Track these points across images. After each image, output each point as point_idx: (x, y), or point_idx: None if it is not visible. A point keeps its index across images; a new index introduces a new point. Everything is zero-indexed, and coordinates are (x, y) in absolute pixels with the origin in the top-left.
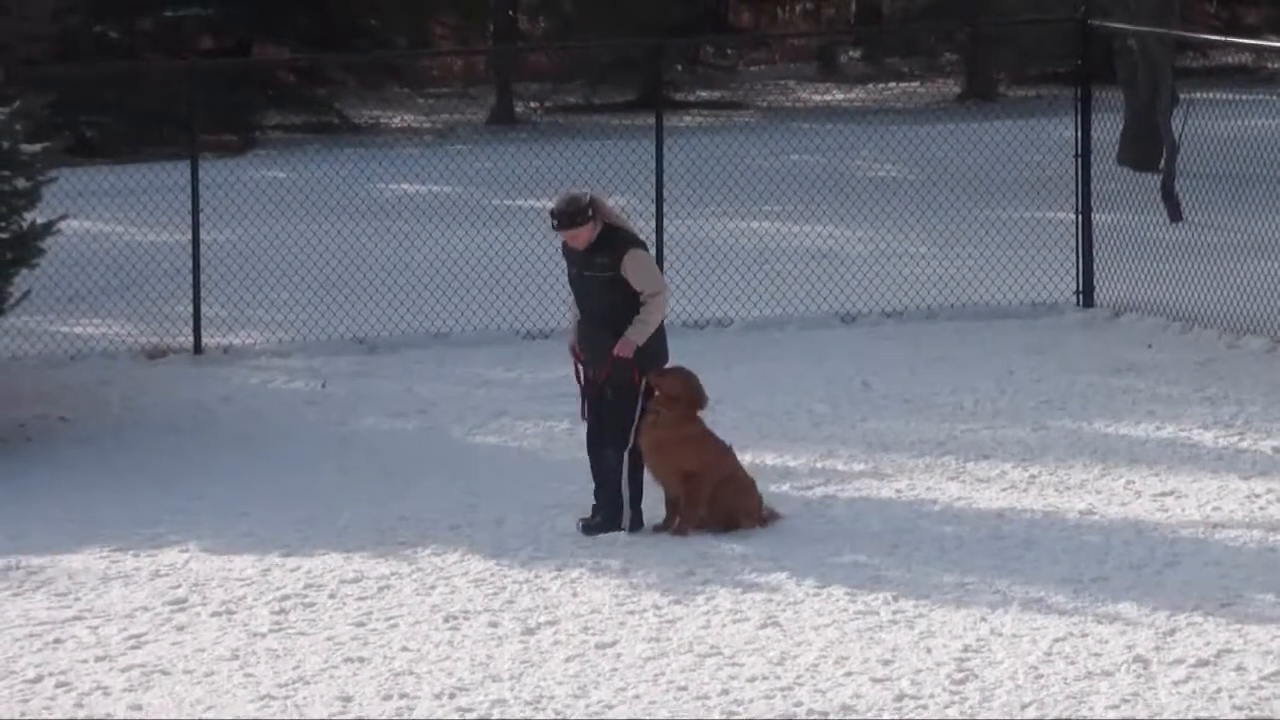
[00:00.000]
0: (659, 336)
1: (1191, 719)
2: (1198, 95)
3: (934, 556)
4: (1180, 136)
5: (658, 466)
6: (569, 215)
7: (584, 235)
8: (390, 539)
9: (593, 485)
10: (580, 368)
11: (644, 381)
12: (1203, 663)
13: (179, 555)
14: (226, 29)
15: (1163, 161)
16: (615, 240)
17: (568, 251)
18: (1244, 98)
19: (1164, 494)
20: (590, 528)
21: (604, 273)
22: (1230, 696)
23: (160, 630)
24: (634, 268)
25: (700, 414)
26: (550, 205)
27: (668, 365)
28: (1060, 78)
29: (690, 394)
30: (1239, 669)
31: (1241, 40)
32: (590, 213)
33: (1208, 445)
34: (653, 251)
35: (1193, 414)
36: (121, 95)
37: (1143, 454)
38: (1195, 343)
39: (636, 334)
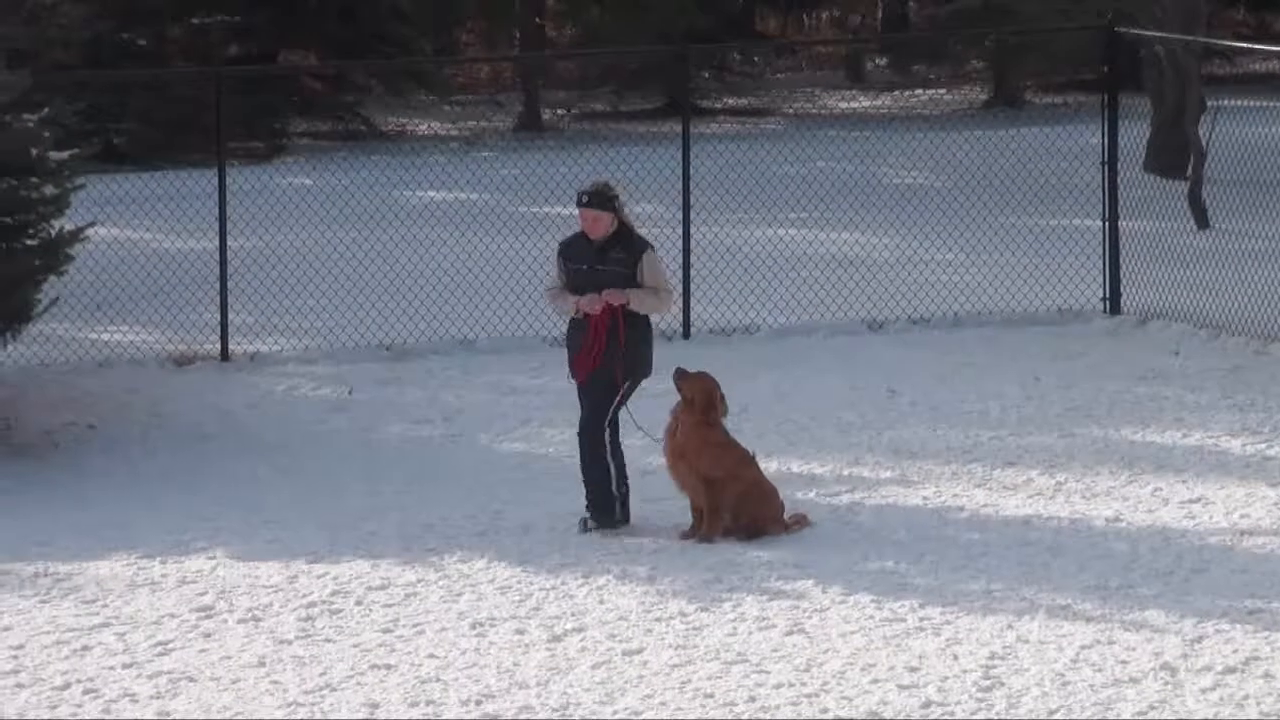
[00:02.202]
0: (647, 345)
1: None
2: (1225, 102)
3: (960, 563)
4: (1208, 143)
5: (682, 474)
6: (602, 196)
7: (604, 223)
8: (417, 546)
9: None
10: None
11: (626, 385)
12: (1230, 670)
13: (206, 562)
14: (254, 36)
15: (1190, 168)
16: (632, 239)
17: (574, 249)
18: (1272, 104)
19: (1191, 501)
20: (586, 525)
21: (619, 268)
22: (1258, 704)
23: (187, 637)
24: (651, 268)
25: (723, 421)
26: (588, 188)
27: (694, 371)
28: (1087, 85)
29: (707, 399)
30: (1266, 676)
31: (1270, 47)
32: (616, 203)
33: (1235, 452)
34: (679, 258)
35: (1220, 421)
36: (149, 102)
37: (1170, 461)
38: (1222, 350)
39: (636, 298)
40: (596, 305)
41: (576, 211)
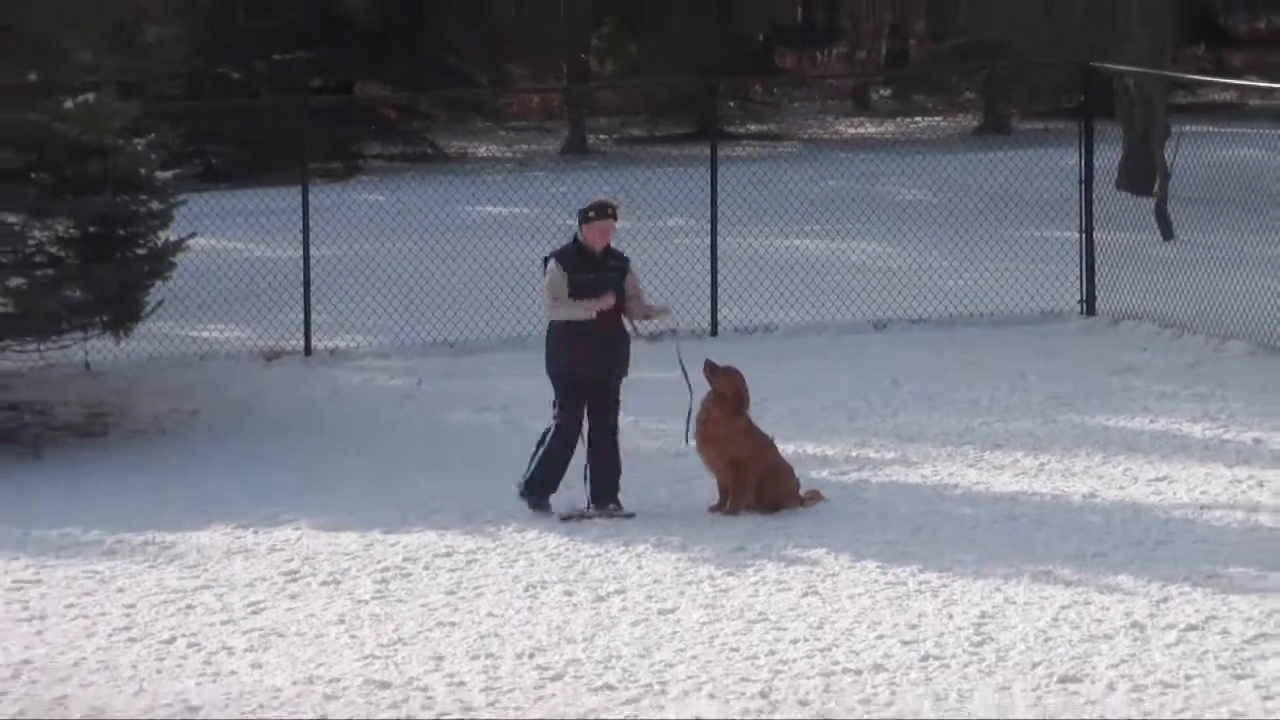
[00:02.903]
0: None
1: (1182, 677)
2: (1187, 128)
3: (955, 534)
4: (1172, 165)
5: (711, 458)
6: (615, 210)
7: (611, 232)
8: (477, 518)
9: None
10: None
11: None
12: (1192, 627)
13: (293, 532)
14: (333, 70)
15: (1156, 186)
16: (617, 250)
17: (578, 260)
18: (1228, 131)
19: (1158, 480)
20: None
21: (617, 275)
22: (1216, 657)
23: (276, 598)
24: (634, 276)
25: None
26: (598, 200)
27: (722, 365)
28: (1066, 113)
29: (737, 395)
30: (1224, 633)
31: (1226, 80)
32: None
33: (1196, 437)
34: (708, 265)
35: (1183, 409)
36: (241, 128)
37: (1139, 444)
38: (1185, 347)
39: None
40: (611, 301)
41: (595, 222)
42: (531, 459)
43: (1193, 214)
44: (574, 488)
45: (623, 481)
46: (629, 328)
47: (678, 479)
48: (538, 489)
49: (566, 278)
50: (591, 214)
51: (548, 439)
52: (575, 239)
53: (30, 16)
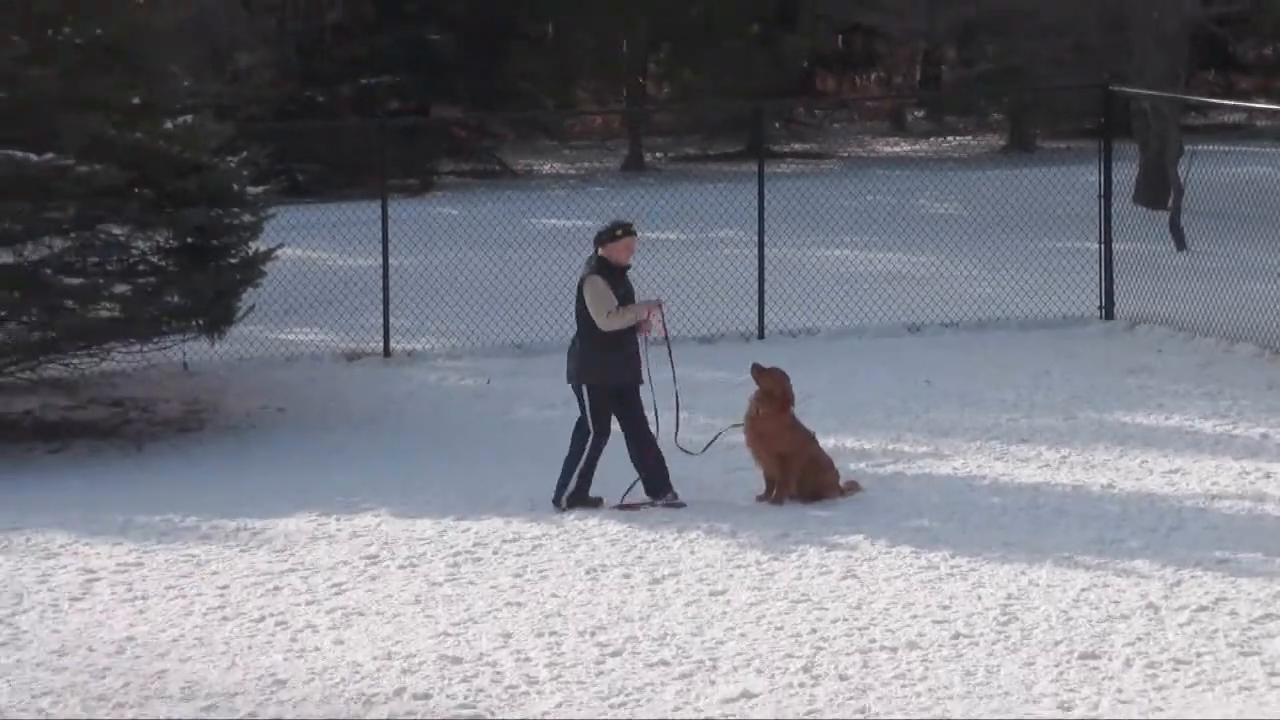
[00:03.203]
0: None
1: (1194, 654)
2: (1199, 148)
3: (983, 522)
4: (1185, 181)
5: (759, 451)
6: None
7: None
8: (542, 506)
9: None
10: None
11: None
12: (1203, 608)
13: (372, 519)
14: (410, 93)
15: (1170, 201)
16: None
17: (614, 276)
18: (1237, 149)
19: (1171, 471)
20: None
21: (632, 288)
22: (1225, 636)
23: (357, 580)
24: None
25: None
26: (620, 220)
27: (768, 366)
28: (1087, 133)
29: (783, 391)
30: (1232, 613)
31: (1236, 103)
32: None
33: (1207, 432)
34: (756, 273)
35: (1195, 407)
36: (325, 147)
37: (1154, 439)
38: (1197, 349)
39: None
40: (659, 307)
41: (622, 240)
42: (568, 473)
43: (1204, 226)
44: (608, 482)
45: (680, 469)
46: (640, 336)
47: (727, 470)
48: (579, 500)
49: (611, 290)
50: (619, 233)
51: (588, 449)
52: (599, 259)
53: (138, 45)
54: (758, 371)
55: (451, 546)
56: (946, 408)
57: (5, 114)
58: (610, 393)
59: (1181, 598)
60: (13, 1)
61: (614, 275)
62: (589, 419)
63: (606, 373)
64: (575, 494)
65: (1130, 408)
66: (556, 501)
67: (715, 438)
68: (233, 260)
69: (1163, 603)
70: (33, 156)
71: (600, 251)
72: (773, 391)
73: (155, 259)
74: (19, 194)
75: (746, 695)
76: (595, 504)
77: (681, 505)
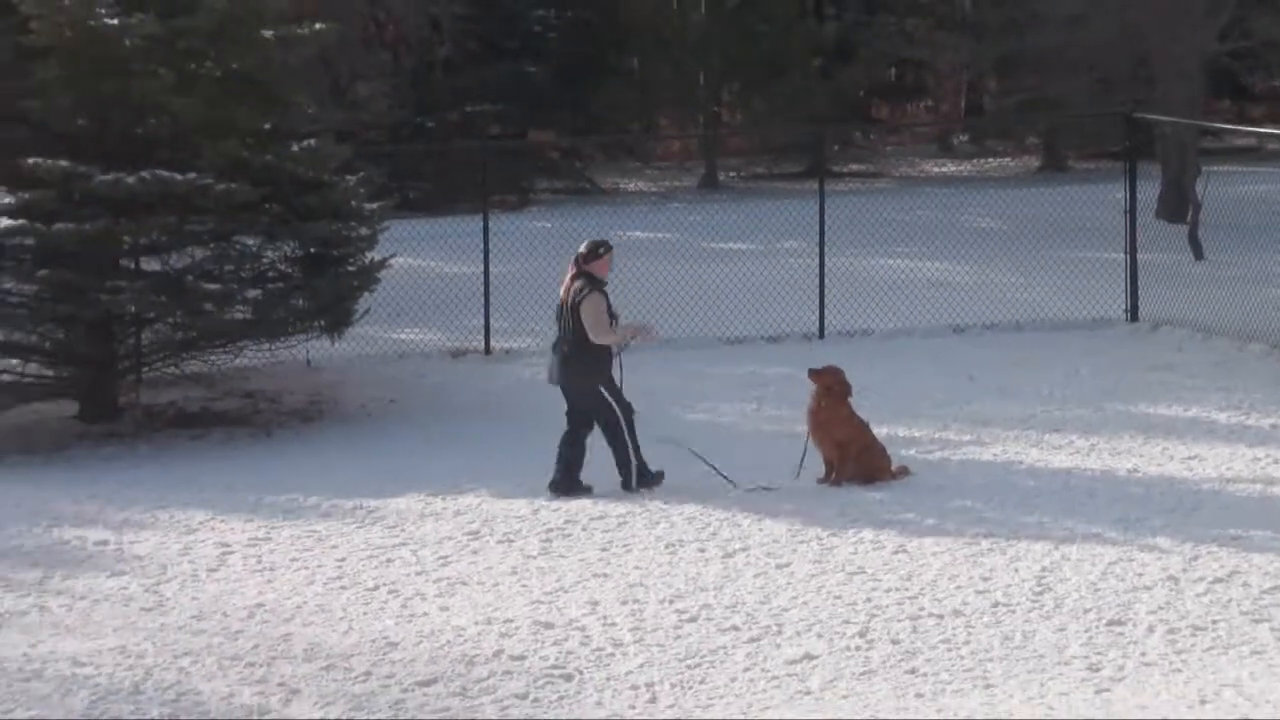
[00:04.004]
0: None
1: (1210, 621)
2: (1215, 168)
3: (1020, 502)
4: (1202, 198)
5: (820, 439)
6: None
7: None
8: (623, 489)
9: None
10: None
11: None
12: (1218, 580)
13: (474, 499)
14: (510, 120)
15: (1189, 216)
16: None
17: (604, 291)
18: (1250, 170)
19: (1190, 458)
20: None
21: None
22: (1238, 605)
23: (460, 553)
24: None
25: (849, 399)
26: (602, 241)
27: (821, 366)
28: (1113, 155)
29: (840, 386)
30: (1245, 585)
31: (1248, 128)
32: None
33: (1222, 422)
34: (817, 280)
35: (1211, 400)
36: (434, 168)
37: (1174, 428)
38: (1213, 348)
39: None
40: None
41: (605, 257)
42: (625, 462)
43: (1220, 239)
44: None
45: (748, 457)
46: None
47: (792, 455)
48: (647, 476)
49: (608, 307)
50: (602, 251)
51: (626, 434)
52: (587, 274)
53: (270, 77)
54: (814, 373)
55: (545, 523)
56: (987, 400)
57: (154, 139)
58: (605, 385)
59: (1199, 570)
60: (161, 39)
61: (604, 292)
62: (613, 408)
63: (607, 371)
64: (642, 473)
65: (1153, 401)
66: (628, 487)
67: (709, 465)
68: (351, 268)
69: (1182, 575)
70: (177, 176)
71: (587, 268)
72: (833, 387)
73: (283, 267)
74: (166, 209)
75: (808, 657)
76: (659, 478)
77: (590, 490)
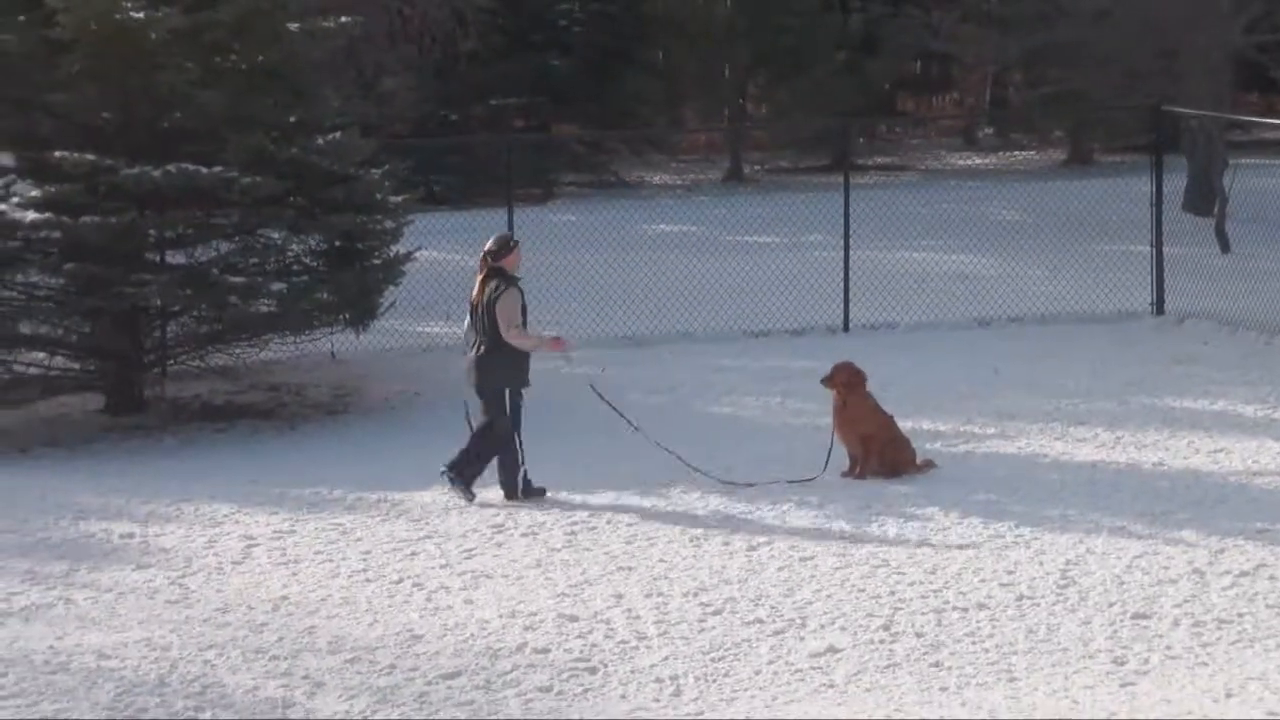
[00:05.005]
0: None
1: (1235, 614)
2: (1242, 161)
3: (1045, 496)
4: (1229, 191)
5: (846, 434)
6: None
7: None
8: (650, 481)
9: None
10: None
11: None
12: (1244, 574)
13: (498, 492)
14: (534, 113)
15: (1215, 209)
16: None
17: (520, 288)
18: (1276, 163)
19: (1215, 451)
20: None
21: None
22: (1264, 598)
23: (485, 546)
24: None
25: (869, 391)
26: (510, 235)
27: (838, 363)
28: (1139, 148)
29: (855, 377)
30: (1271, 578)
31: (1275, 121)
32: None
33: (1248, 415)
34: (842, 273)
35: (1237, 393)
36: (458, 161)
37: (1200, 421)
38: (1239, 341)
39: None
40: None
41: (515, 251)
42: (512, 472)
43: (1246, 232)
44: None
45: (773, 449)
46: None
47: (818, 448)
48: (530, 489)
49: (522, 308)
50: (513, 244)
51: (512, 441)
52: (499, 271)
53: (295, 70)
54: (827, 381)
55: (569, 517)
56: (1012, 393)
57: (179, 132)
58: (515, 393)
59: (1224, 564)
60: (186, 32)
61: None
62: (502, 416)
63: (522, 378)
64: (527, 484)
65: (1179, 394)
66: (512, 495)
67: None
68: (376, 261)
69: (1207, 568)
70: (203, 169)
71: (498, 265)
72: (849, 381)
73: (308, 260)
74: (191, 203)
75: (832, 650)
76: (541, 492)
77: (472, 498)
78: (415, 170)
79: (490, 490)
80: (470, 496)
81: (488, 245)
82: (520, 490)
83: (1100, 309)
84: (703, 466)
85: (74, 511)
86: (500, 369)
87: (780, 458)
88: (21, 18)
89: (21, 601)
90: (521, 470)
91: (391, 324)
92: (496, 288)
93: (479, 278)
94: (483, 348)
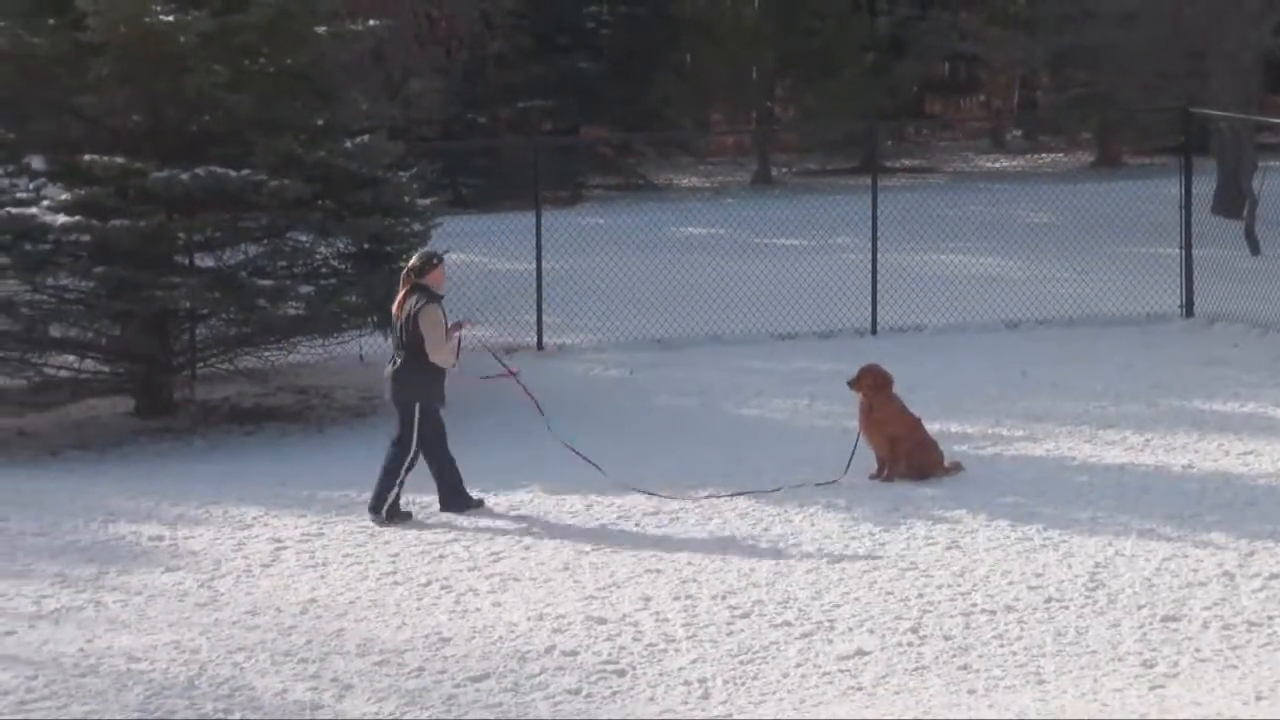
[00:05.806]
0: None
1: (1265, 617)
2: (1272, 163)
3: (1073, 498)
4: (1259, 193)
5: (873, 436)
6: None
7: None
8: (679, 483)
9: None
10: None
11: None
12: (1275, 576)
13: (527, 494)
14: (562, 116)
15: (1245, 211)
16: None
17: (441, 305)
18: None
19: (1245, 453)
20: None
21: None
22: None
23: (513, 548)
24: None
25: (896, 393)
26: (433, 251)
27: (863, 366)
28: (1168, 150)
29: (880, 379)
30: None
31: None
32: None
33: (1278, 418)
34: (869, 276)
35: (1267, 395)
36: (486, 163)
37: (1229, 424)
38: (1270, 343)
39: None
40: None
41: (439, 268)
42: (388, 485)
43: (1277, 235)
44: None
45: (802, 452)
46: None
47: (846, 451)
48: (396, 511)
49: (446, 319)
50: (435, 261)
51: (408, 461)
52: (422, 287)
53: (323, 73)
54: (853, 384)
55: (597, 518)
56: (1040, 396)
57: (208, 135)
58: (432, 410)
59: (1255, 566)
60: (215, 35)
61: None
62: (413, 434)
63: (437, 393)
64: (394, 505)
65: (1208, 396)
66: (376, 511)
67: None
68: (404, 264)
69: (1237, 571)
70: (231, 172)
71: (421, 282)
72: (875, 383)
73: (336, 263)
74: (219, 206)
75: (860, 653)
76: (408, 516)
77: (480, 504)
78: (443, 173)
79: (512, 495)
80: (477, 504)
81: (412, 261)
82: (386, 511)
83: (1129, 311)
84: (730, 472)
85: (103, 514)
86: (414, 383)
87: (809, 459)
88: (51, 21)
89: (51, 604)
90: (396, 491)
91: None
92: (417, 302)
93: (400, 292)
94: (398, 361)
